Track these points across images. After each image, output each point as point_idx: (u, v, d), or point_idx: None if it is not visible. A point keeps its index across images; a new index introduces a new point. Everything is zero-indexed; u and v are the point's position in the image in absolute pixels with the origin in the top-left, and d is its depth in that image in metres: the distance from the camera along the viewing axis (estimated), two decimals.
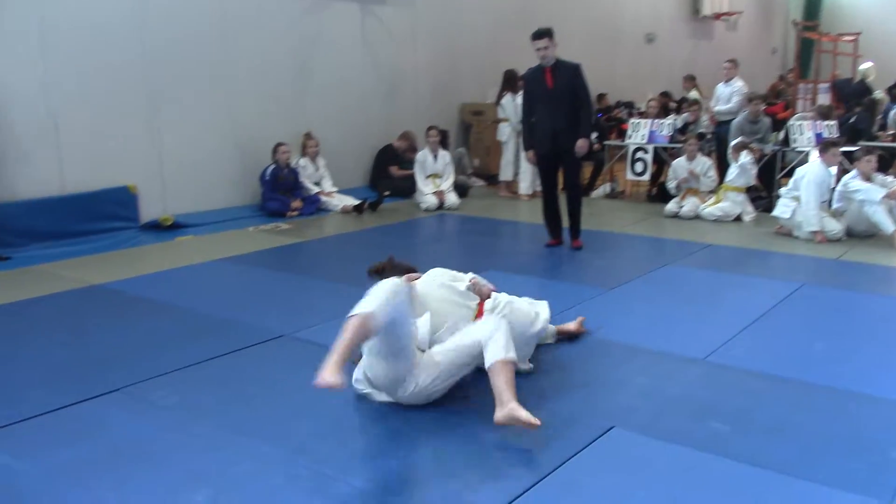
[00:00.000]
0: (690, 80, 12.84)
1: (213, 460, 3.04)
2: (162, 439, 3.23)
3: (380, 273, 3.76)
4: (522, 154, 9.56)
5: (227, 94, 8.59)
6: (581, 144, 6.62)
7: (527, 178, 9.96)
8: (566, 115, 6.64)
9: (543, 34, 6.57)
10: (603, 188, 10.40)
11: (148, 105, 7.88)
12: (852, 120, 9.86)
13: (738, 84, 9.93)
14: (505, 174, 10.27)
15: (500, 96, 10.17)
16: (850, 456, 3.06)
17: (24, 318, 5.04)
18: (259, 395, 3.70)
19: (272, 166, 8.72)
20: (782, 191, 7.84)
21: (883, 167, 7.94)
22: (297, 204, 8.73)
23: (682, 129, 10.15)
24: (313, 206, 8.95)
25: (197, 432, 3.26)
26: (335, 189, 9.34)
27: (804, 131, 8.82)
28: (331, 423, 3.40)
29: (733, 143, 8.63)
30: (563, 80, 6.62)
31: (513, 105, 9.76)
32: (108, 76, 7.50)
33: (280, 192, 8.75)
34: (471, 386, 3.60)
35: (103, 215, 7.54)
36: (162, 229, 7.84)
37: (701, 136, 9.47)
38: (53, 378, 3.93)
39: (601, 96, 13.87)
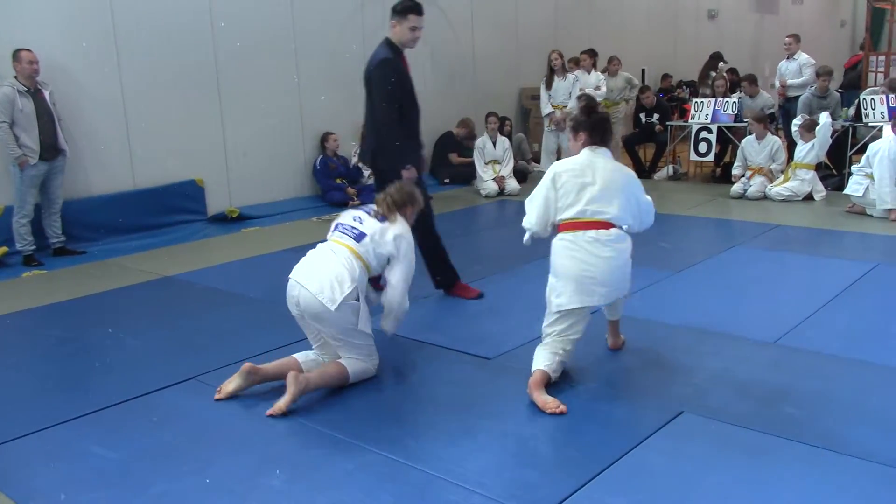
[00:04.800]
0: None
1: (287, 445, 3.12)
2: (237, 426, 3.32)
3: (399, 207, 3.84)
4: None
5: (291, 87, 8.72)
6: (406, 176, 4.62)
7: None
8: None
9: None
10: (666, 170, 10.23)
11: (214, 100, 8.05)
12: None
13: (803, 57, 9.64)
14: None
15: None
16: None
17: (100, 310, 5.23)
18: None
19: (321, 157, 8.85)
20: (854, 168, 7.59)
21: None
22: (351, 191, 8.82)
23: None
24: (373, 194, 9.00)
25: (268, 420, 3.33)
26: None
27: (876, 105, 8.51)
28: (399, 412, 3.45)
29: (800, 121, 8.38)
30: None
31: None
32: (176, 73, 7.69)
33: (335, 178, 8.86)
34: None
35: (172, 208, 7.76)
36: (228, 221, 8.03)
37: (772, 118, 9.21)
38: (130, 368, 4.07)
39: (664, 77, 13.63)
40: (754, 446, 2.97)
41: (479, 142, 9.51)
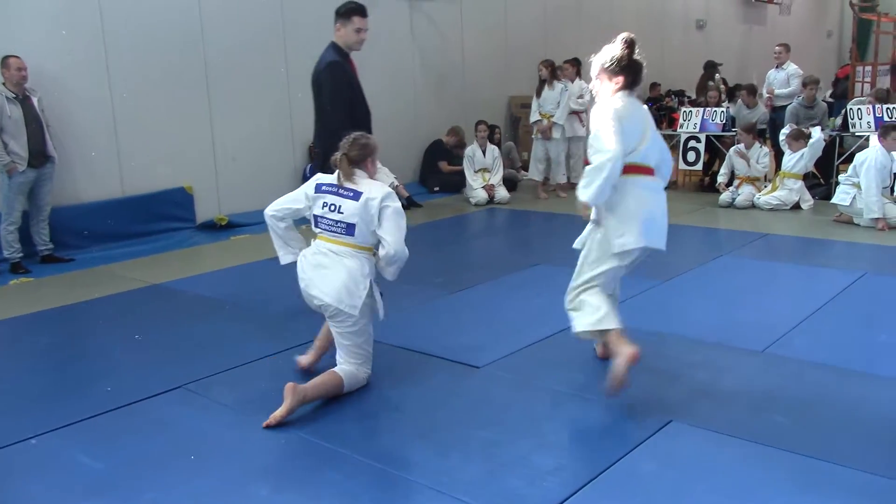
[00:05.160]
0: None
1: (275, 455, 3.11)
2: (224, 436, 3.31)
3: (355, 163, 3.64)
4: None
5: (281, 94, 8.71)
6: None
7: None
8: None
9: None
10: None
11: (204, 107, 8.03)
12: None
13: (791, 67, 9.72)
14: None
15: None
16: None
17: (88, 318, 5.20)
18: None
19: (310, 164, 8.87)
20: (841, 177, 7.64)
21: None
22: None
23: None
24: None
25: (257, 428, 3.32)
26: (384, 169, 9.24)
27: (863, 115, 8.58)
28: (388, 421, 3.44)
29: (788, 130, 8.44)
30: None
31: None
32: (166, 80, 7.67)
33: None
34: (526, 386, 3.60)
35: (161, 216, 7.73)
36: (217, 229, 8.00)
37: (761, 133, 9.28)
38: (118, 376, 4.04)
39: (653, 85, 13.70)
40: (742, 455, 2.98)
41: (468, 150, 9.53)
